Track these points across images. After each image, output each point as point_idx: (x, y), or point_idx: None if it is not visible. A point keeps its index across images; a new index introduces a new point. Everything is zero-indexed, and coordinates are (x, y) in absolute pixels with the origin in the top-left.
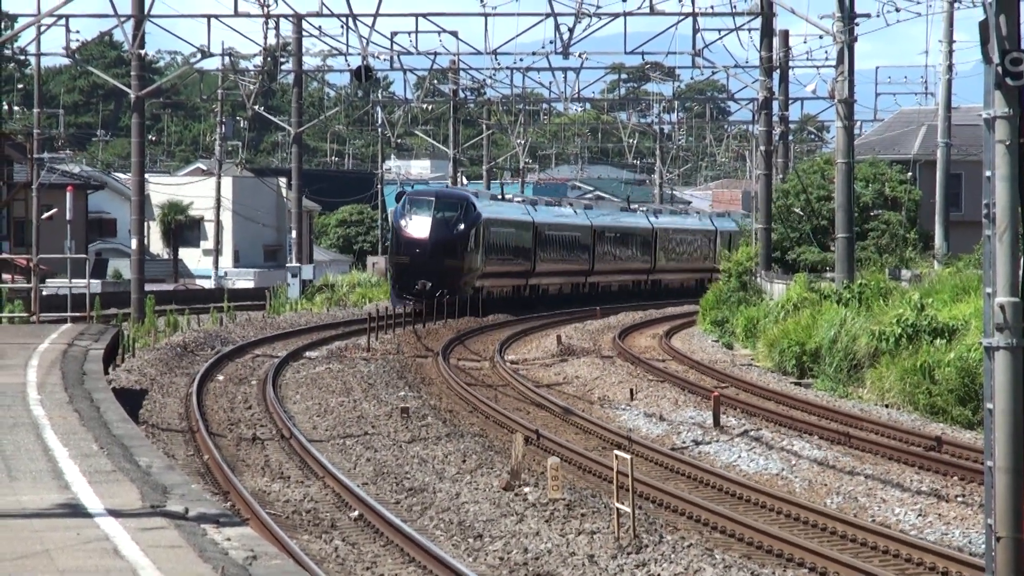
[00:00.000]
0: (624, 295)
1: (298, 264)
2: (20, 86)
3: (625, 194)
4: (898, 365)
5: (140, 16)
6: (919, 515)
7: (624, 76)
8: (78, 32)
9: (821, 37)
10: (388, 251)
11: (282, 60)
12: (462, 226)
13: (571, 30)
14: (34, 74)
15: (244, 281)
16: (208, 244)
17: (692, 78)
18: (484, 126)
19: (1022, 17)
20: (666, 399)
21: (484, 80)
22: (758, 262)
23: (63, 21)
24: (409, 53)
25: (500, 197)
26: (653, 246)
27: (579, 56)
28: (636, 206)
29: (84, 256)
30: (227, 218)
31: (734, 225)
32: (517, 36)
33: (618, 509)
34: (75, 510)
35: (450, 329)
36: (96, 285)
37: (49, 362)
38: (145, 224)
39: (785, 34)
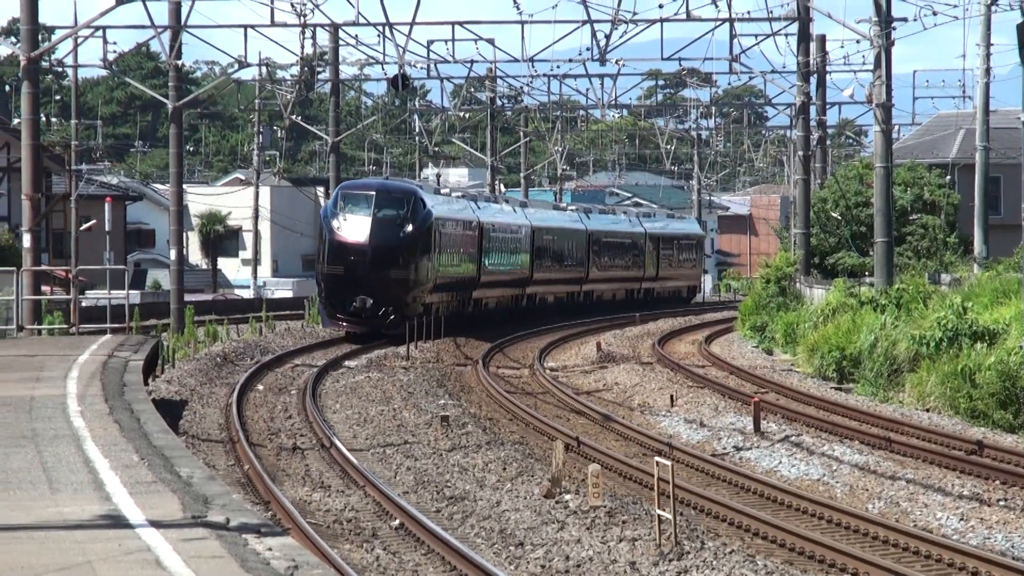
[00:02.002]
0: (558, 310)
1: None
2: (58, 98)
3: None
4: (938, 369)
5: (177, 27)
6: (961, 519)
7: (661, 82)
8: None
9: (858, 41)
10: (317, 260)
11: (319, 69)
12: (410, 227)
13: (608, 37)
14: (72, 86)
15: (283, 291)
16: (247, 254)
17: (729, 83)
18: (521, 133)
19: None
20: (706, 405)
21: (521, 87)
22: (797, 267)
23: (100, 32)
24: (446, 61)
25: (437, 191)
26: (587, 253)
27: (616, 63)
28: (566, 205)
29: (123, 267)
30: (265, 228)
31: (679, 226)
32: (554, 43)
33: (659, 516)
34: (117, 521)
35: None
36: (135, 296)
37: (89, 374)
38: (184, 234)
39: (822, 39)
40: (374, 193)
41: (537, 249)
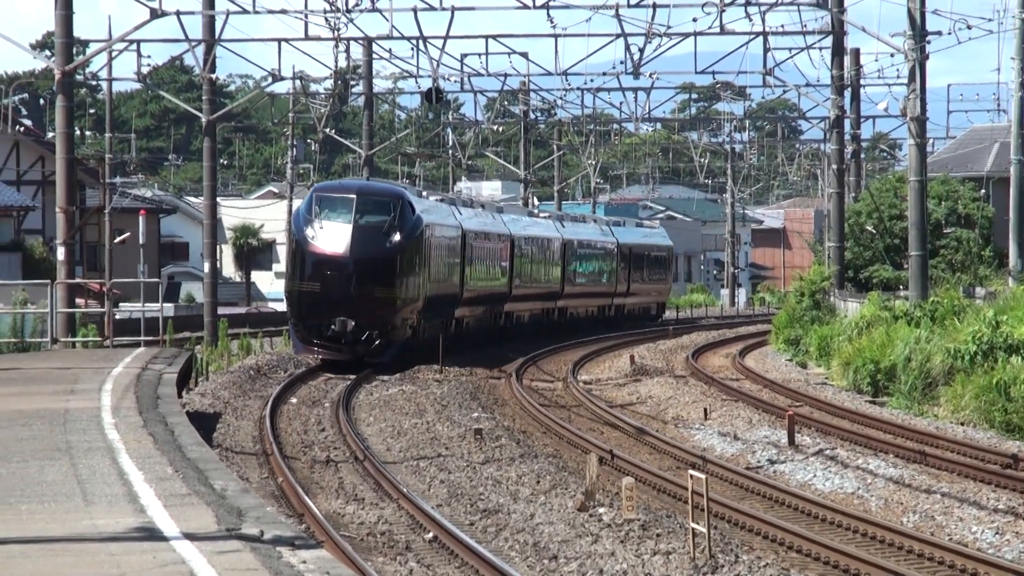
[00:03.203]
0: (533, 330)
1: None
2: (92, 111)
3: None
4: (973, 383)
5: (211, 40)
6: (996, 533)
7: (695, 96)
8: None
9: (892, 55)
10: (287, 274)
11: (352, 83)
12: (397, 235)
13: (641, 50)
14: (106, 99)
15: None
16: (280, 267)
17: (763, 97)
18: (555, 147)
19: None
20: (740, 418)
21: (554, 101)
22: (831, 281)
23: (134, 46)
24: (479, 75)
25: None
26: (563, 266)
27: (649, 76)
28: (540, 211)
29: (157, 280)
30: None
31: (649, 237)
32: (587, 56)
33: (693, 529)
34: (151, 534)
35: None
36: (170, 309)
37: (123, 386)
38: (217, 247)
39: (856, 52)
40: (355, 196)
41: (517, 260)
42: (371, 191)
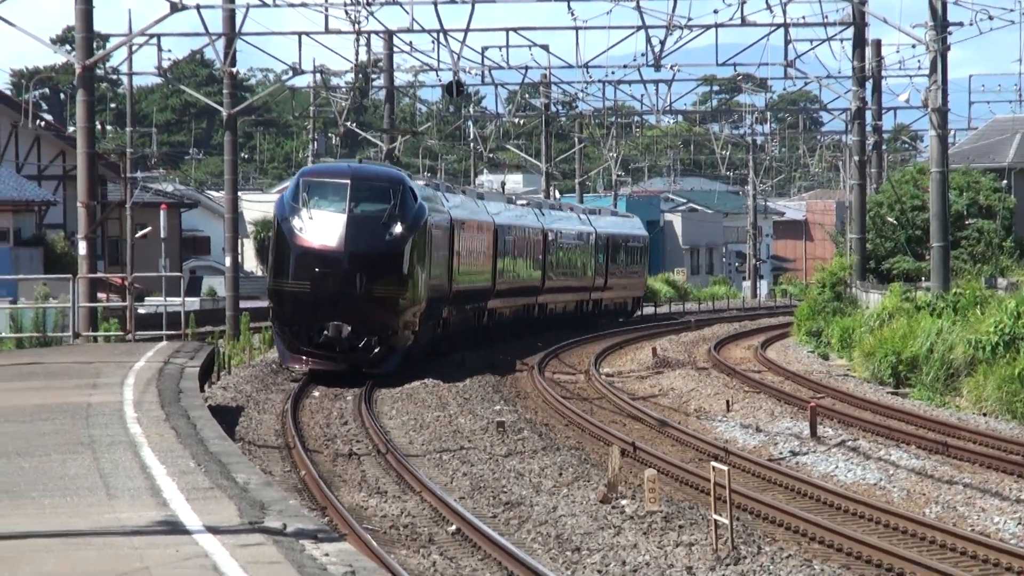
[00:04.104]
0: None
1: None
2: (113, 105)
3: (719, 205)
4: (995, 374)
5: (231, 34)
6: (1019, 524)
7: (716, 88)
8: (170, 51)
9: (914, 46)
10: (270, 272)
11: (373, 76)
12: (399, 226)
13: (662, 42)
14: (127, 93)
15: None
16: None
17: (784, 89)
18: (576, 139)
19: None
20: (762, 410)
21: (576, 93)
22: (852, 272)
23: (155, 40)
24: (500, 67)
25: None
26: (544, 258)
27: (671, 68)
28: (516, 197)
29: (179, 274)
30: None
31: (625, 227)
32: (608, 49)
33: (716, 521)
34: (174, 527)
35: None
36: (195, 303)
37: (145, 380)
38: (239, 241)
39: (878, 44)
40: (349, 181)
41: (502, 252)
42: (368, 175)
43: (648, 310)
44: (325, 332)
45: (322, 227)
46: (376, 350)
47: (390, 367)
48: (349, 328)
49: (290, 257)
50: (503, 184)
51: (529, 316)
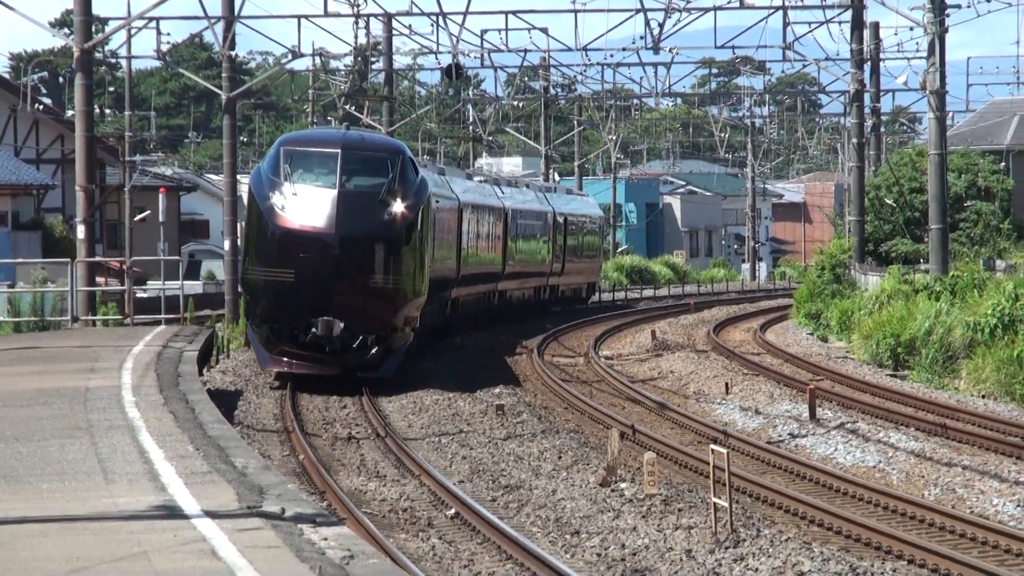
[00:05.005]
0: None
1: None
2: (112, 89)
3: (718, 188)
4: (994, 355)
5: (230, 17)
6: (1018, 506)
7: (715, 70)
8: (169, 34)
9: (912, 28)
10: (244, 258)
11: (372, 59)
12: (400, 204)
13: (661, 25)
14: (125, 77)
15: None
16: None
17: (783, 71)
18: (575, 122)
19: None
20: (761, 392)
21: (575, 76)
22: (852, 255)
23: (154, 24)
24: (499, 50)
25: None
26: (504, 240)
27: (669, 51)
28: (474, 173)
29: (177, 258)
30: None
31: (581, 206)
32: (607, 32)
33: (715, 503)
34: (172, 511)
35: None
36: (199, 286)
37: (144, 364)
38: (238, 225)
39: (876, 26)
40: (339, 151)
41: (466, 235)
42: (361, 144)
43: (648, 293)
44: (313, 330)
45: (308, 205)
46: (373, 350)
47: (388, 371)
48: (342, 325)
49: (270, 241)
50: (491, 166)
51: (489, 305)
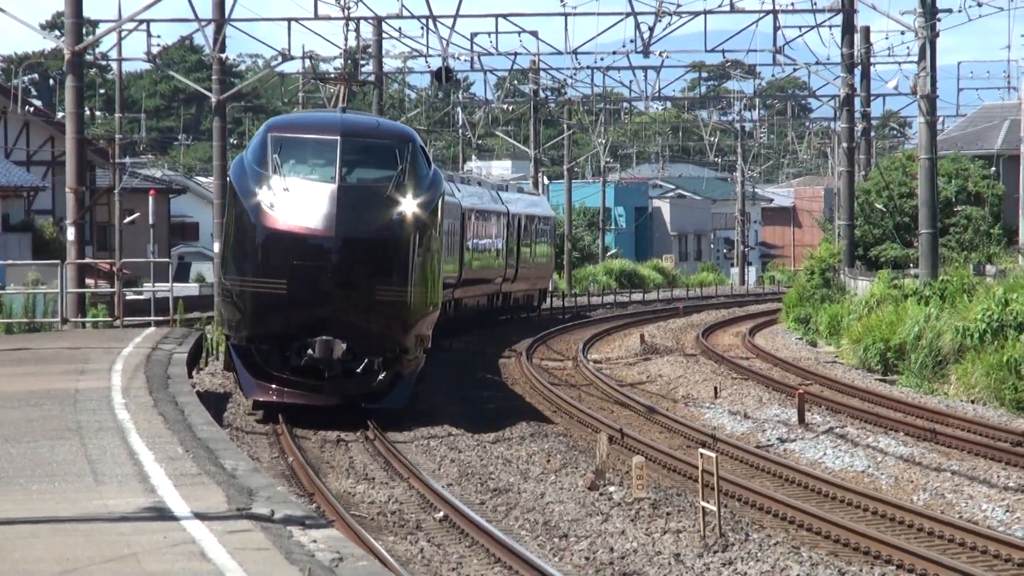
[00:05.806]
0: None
1: None
2: (102, 91)
3: (708, 192)
4: (983, 361)
5: (221, 20)
6: (1007, 511)
7: (705, 74)
8: (159, 37)
9: (903, 33)
10: (223, 265)
11: (362, 62)
12: (412, 202)
13: (651, 29)
14: (116, 79)
15: None
16: None
17: (773, 75)
18: (565, 126)
19: None
20: (750, 397)
21: (564, 80)
22: (841, 259)
23: (144, 26)
24: (489, 54)
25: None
26: (461, 242)
27: (659, 55)
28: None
29: (167, 260)
30: None
31: (534, 206)
32: (597, 36)
33: (703, 508)
34: (161, 513)
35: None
36: (194, 288)
37: (133, 366)
38: None
39: (866, 30)
40: (338, 138)
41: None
42: (365, 129)
43: (637, 296)
44: (309, 351)
45: (302, 202)
46: (380, 376)
47: (398, 402)
48: (344, 346)
49: (256, 245)
50: (480, 170)
51: (445, 316)
